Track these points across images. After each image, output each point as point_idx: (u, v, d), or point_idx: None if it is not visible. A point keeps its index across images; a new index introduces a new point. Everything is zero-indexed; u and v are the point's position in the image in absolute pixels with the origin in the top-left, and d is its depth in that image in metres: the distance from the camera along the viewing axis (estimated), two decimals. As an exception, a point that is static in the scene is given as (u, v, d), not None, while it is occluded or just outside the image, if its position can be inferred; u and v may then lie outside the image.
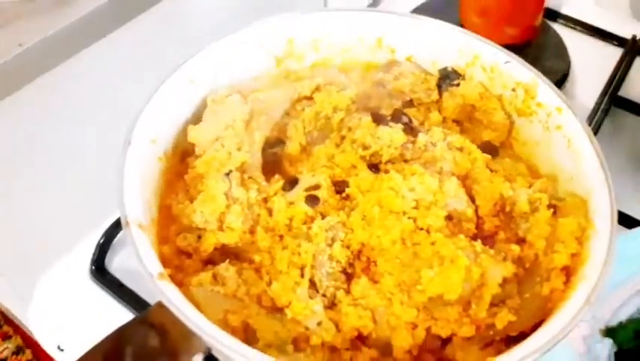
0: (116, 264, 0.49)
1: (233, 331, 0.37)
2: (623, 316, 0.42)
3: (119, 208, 0.38)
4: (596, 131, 0.57)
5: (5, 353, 0.54)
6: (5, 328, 0.55)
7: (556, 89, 0.46)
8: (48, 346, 0.46)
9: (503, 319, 0.38)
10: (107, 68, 0.62)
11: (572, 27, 0.70)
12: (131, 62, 0.62)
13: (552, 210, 0.41)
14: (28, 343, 0.52)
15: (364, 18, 0.52)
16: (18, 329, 0.53)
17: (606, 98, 0.61)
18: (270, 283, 0.39)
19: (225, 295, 0.39)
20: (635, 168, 0.56)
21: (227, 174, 0.43)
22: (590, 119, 0.58)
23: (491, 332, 0.38)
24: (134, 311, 0.47)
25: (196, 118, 0.48)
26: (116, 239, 0.50)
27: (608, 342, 0.42)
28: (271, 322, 0.37)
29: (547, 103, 0.46)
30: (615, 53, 0.67)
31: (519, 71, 0.48)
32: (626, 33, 0.68)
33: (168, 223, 0.44)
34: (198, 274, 0.40)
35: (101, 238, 0.49)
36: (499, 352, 0.37)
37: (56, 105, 0.59)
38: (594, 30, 0.69)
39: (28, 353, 0.54)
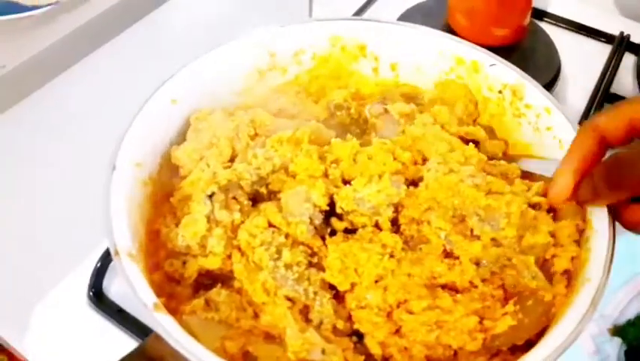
0: (114, 288, 0.48)
1: (232, 359, 0.36)
2: (631, 314, 0.42)
3: (107, 238, 0.36)
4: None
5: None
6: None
7: (543, 89, 0.46)
8: None
9: (504, 323, 0.37)
10: (92, 86, 0.61)
11: (559, 25, 0.70)
12: (114, 80, 0.61)
13: (551, 214, 0.40)
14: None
15: (346, 27, 0.51)
16: (13, 357, 0.51)
17: (598, 95, 0.61)
18: (255, 316, 0.38)
19: (220, 321, 0.38)
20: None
21: (210, 196, 0.41)
22: (584, 117, 0.58)
23: (497, 342, 0.37)
24: (134, 337, 0.45)
25: (180, 138, 0.47)
26: (113, 262, 0.47)
27: (618, 341, 0.41)
28: (272, 347, 0.36)
29: (535, 104, 0.46)
30: (604, 50, 0.67)
31: (505, 73, 0.47)
32: (613, 29, 0.69)
33: (157, 249, 0.42)
34: (190, 301, 0.39)
35: (97, 262, 0.48)
36: (505, 362, 0.37)
37: (41, 127, 0.58)
38: (582, 28, 0.70)
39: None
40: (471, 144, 0.45)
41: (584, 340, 0.40)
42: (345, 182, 0.42)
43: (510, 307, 0.37)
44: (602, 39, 0.68)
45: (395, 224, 0.41)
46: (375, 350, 0.36)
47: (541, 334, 0.37)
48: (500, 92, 0.48)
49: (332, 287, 0.39)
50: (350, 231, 0.41)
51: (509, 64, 0.47)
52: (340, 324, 0.37)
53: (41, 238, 0.52)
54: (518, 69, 0.47)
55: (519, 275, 0.38)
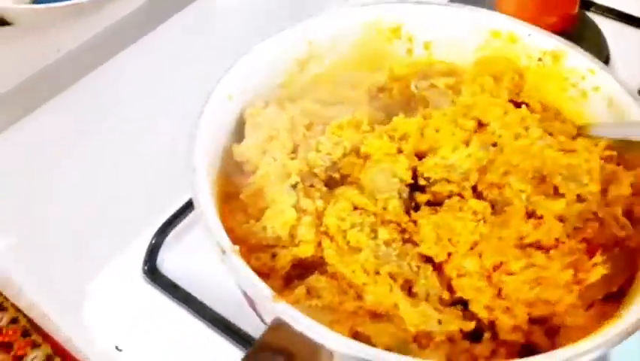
0: (168, 264, 0.50)
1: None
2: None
3: (210, 239, 0.36)
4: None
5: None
6: (34, 336, 0.53)
7: (584, 51, 0.48)
8: (105, 346, 0.46)
9: (597, 273, 0.38)
10: (144, 70, 0.63)
11: (606, 15, 0.70)
12: (166, 63, 0.64)
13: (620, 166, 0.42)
14: (57, 351, 0.52)
15: (379, 10, 0.52)
16: (47, 337, 0.51)
17: None
18: (358, 297, 0.38)
19: (324, 307, 0.38)
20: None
21: (294, 186, 0.42)
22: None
23: (591, 293, 0.38)
24: (189, 311, 0.47)
25: (236, 134, 0.46)
26: (167, 239, 0.50)
27: None
28: (383, 325, 0.37)
29: (578, 67, 0.48)
30: None
31: (543, 40, 0.49)
32: None
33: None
34: (291, 292, 0.38)
35: (152, 239, 0.50)
36: (603, 312, 0.38)
37: (97, 107, 0.61)
38: (628, 18, 0.70)
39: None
40: (524, 106, 0.46)
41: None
42: (418, 156, 0.43)
43: (598, 258, 0.39)
44: (650, 29, 0.69)
45: (475, 191, 0.42)
46: (483, 315, 0.37)
47: (630, 279, 0.39)
48: (540, 59, 0.49)
49: (427, 261, 0.39)
50: (432, 204, 0.42)
51: (546, 32, 0.49)
52: (446, 295, 0.38)
53: (96, 215, 0.53)
54: (556, 36, 0.49)
55: (605, 228, 0.39)
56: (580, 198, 0.40)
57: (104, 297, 0.48)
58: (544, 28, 0.48)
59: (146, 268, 0.49)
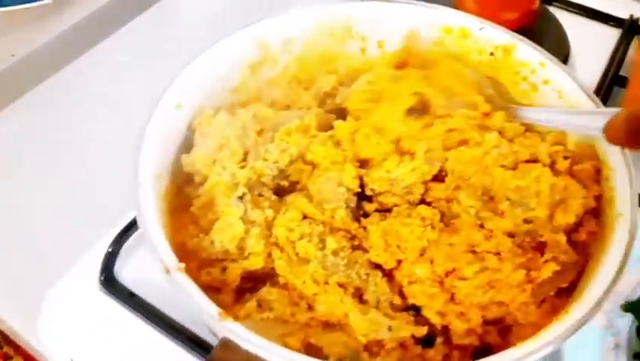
0: (125, 273, 0.49)
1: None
2: (643, 291, 0.43)
3: (153, 255, 0.35)
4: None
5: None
6: (6, 349, 0.53)
7: (536, 46, 0.47)
8: (61, 360, 0.45)
9: (548, 270, 0.38)
10: (100, 76, 0.63)
11: (568, 10, 0.70)
12: (124, 67, 0.64)
13: (569, 159, 0.42)
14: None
15: (331, 11, 0.51)
16: (19, 349, 0.52)
17: (607, 79, 0.61)
18: (309, 308, 0.38)
19: (276, 319, 0.37)
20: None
21: (241, 197, 0.41)
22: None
23: (544, 289, 0.38)
24: (147, 320, 0.46)
25: (185, 145, 0.46)
26: (123, 248, 0.50)
27: (629, 317, 0.42)
28: (335, 335, 0.36)
29: (528, 60, 0.47)
30: (613, 34, 0.68)
31: (495, 35, 0.48)
32: (622, 13, 0.69)
33: (186, 261, 0.41)
34: (242, 306, 0.38)
35: (109, 247, 0.49)
36: (554, 306, 0.38)
37: (52, 115, 0.61)
38: (590, 12, 0.70)
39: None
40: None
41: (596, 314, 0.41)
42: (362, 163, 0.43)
43: (549, 254, 0.39)
44: (611, 23, 0.69)
45: (423, 202, 0.41)
46: (436, 320, 0.37)
47: (581, 272, 0.39)
48: (492, 53, 0.49)
49: (377, 267, 0.39)
50: (381, 211, 0.41)
51: (498, 26, 0.48)
52: (397, 300, 0.38)
53: (51, 225, 0.53)
54: (508, 31, 0.48)
55: (550, 250, 0.39)
56: (527, 221, 0.39)
57: (59, 309, 0.47)
58: (505, 25, 0.47)
59: (102, 277, 0.48)
